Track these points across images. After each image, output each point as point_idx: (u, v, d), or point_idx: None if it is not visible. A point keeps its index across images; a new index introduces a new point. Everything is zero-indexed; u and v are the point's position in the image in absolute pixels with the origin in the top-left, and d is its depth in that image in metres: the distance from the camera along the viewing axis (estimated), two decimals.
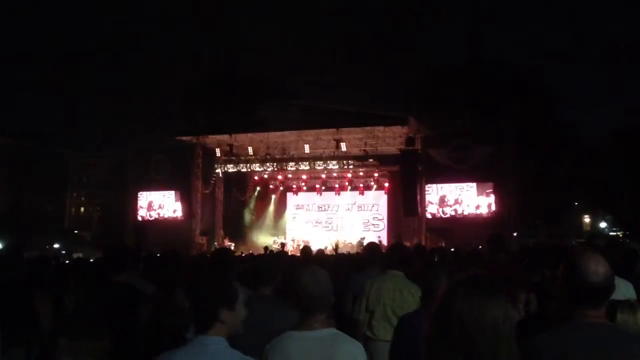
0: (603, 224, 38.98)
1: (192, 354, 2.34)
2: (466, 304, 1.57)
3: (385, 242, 19.08)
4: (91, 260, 11.20)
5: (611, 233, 36.89)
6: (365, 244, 11.77)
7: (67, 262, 10.52)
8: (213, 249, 18.04)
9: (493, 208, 20.11)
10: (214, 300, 2.39)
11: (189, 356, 2.34)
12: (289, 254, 13.25)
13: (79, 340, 2.37)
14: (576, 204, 38.18)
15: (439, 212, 20.63)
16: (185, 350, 2.38)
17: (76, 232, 55.58)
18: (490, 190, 20.28)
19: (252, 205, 24.61)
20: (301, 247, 20.40)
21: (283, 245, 20.03)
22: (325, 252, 12.86)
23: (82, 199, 64.22)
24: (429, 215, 20.61)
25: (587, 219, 39.78)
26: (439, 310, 1.63)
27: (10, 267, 4.39)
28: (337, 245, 20.59)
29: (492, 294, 1.61)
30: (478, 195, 20.38)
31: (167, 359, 2.37)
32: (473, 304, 1.57)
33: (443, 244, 16.23)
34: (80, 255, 16.08)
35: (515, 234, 20.63)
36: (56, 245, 34.08)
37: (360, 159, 20.80)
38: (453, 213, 20.45)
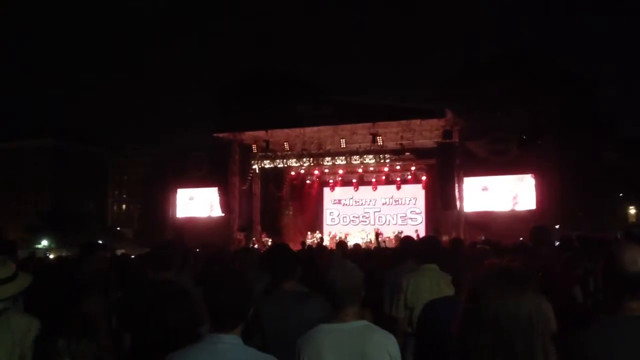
0: None
1: (205, 352, 2.26)
2: (499, 299, 1.56)
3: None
4: (133, 257, 11.42)
5: None
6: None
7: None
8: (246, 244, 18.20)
9: (533, 200, 19.75)
10: (244, 300, 2.34)
11: (202, 355, 2.25)
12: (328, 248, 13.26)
13: (77, 341, 2.36)
14: (620, 195, 37.20)
15: (477, 205, 20.35)
16: (197, 348, 2.29)
17: (118, 229, 56.89)
18: (531, 182, 19.92)
19: (289, 200, 24.74)
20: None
21: (321, 239, 20.06)
22: (362, 247, 12.86)
23: (123, 196, 65.73)
24: (467, 209, 20.34)
25: (632, 210, 38.70)
26: (471, 305, 1.61)
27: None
28: (377, 235, 20.45)
29: (524, 288, 1.59)
30: (518, 187, 20.05)
31: (179, 358, 2.29)
32: (506, 299, 1.55)
33: (482, 238, 16.01)
34: (123, 251, 16.51)
35: (557, 227, 20.22)
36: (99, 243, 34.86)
37: (397, 153, 20.59)
38: (492, 206, 20.15)
